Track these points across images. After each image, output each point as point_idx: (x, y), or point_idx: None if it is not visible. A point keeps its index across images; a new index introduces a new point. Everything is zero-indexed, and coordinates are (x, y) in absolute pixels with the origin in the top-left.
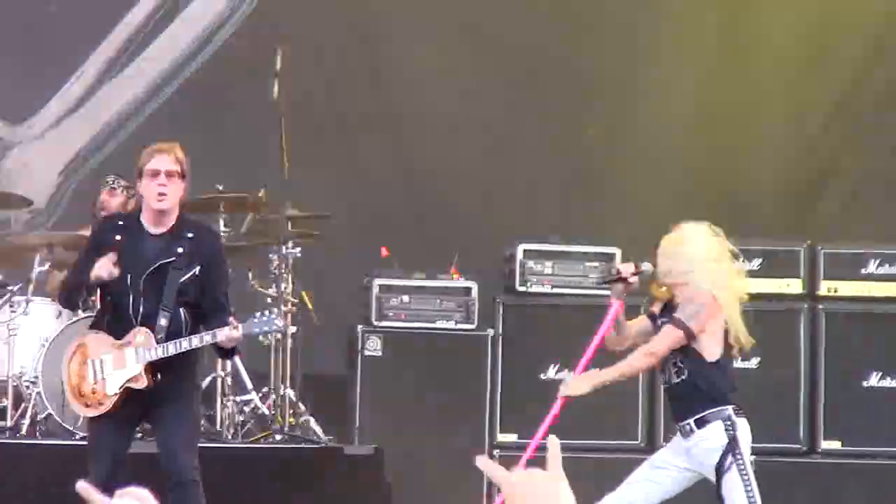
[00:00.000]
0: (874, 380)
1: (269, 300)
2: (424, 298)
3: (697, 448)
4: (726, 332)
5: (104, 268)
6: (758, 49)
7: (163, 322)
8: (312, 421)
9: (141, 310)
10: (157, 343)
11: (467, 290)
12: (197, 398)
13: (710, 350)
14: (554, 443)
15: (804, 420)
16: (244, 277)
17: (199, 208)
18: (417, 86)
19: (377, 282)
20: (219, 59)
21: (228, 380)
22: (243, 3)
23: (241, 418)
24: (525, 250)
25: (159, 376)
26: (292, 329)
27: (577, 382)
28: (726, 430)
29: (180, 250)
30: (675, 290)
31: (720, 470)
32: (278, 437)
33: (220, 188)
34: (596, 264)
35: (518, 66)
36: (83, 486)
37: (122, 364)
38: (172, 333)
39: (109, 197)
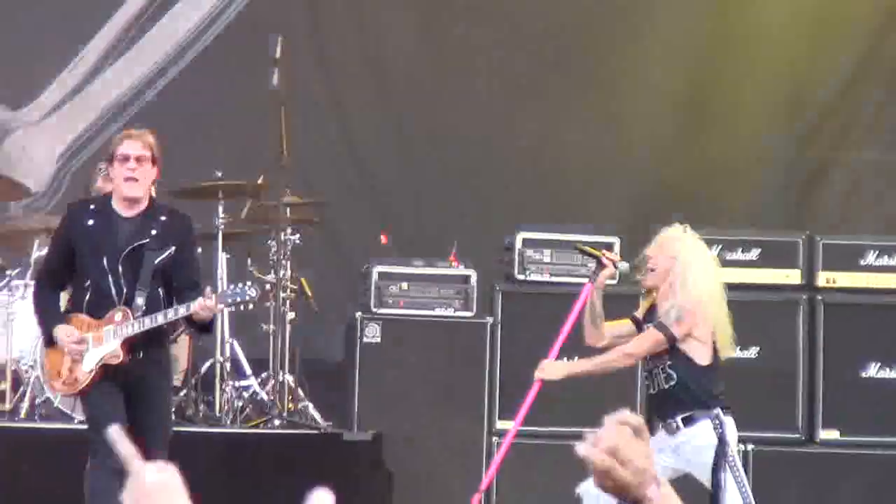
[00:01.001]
0: (872, 370)
1: (267, 286)
2: (423, 286)
3: (688, 445)
4: (714, 339)
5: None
6: (757, 38)
7: (139, 301)
8: (311, 407)
9: (124, 290)
10: (133, 320)
11: (466, 278)
12: (170, 394)
13: (700, 353)
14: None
15: (803, 410)
16: (243, 264)
17: (198, 195)
18: (416, 72)
19: (376, 269)
20: (219, 45)
21: (227, 365)
22: None
23: (240, 403)
24: (524, 239)
25: (141, 354)
26: (291, 315)
27: (552, 368)
28: (715, 428)
29: (154, 232)
30: (659, 293)
31: (715, 470)
32: (277, 422)
33: (220, 175)
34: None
35: (517, 55)
36: (115, 429)
37: (99, 341)
38: (150, 312)
39: (104, 184)
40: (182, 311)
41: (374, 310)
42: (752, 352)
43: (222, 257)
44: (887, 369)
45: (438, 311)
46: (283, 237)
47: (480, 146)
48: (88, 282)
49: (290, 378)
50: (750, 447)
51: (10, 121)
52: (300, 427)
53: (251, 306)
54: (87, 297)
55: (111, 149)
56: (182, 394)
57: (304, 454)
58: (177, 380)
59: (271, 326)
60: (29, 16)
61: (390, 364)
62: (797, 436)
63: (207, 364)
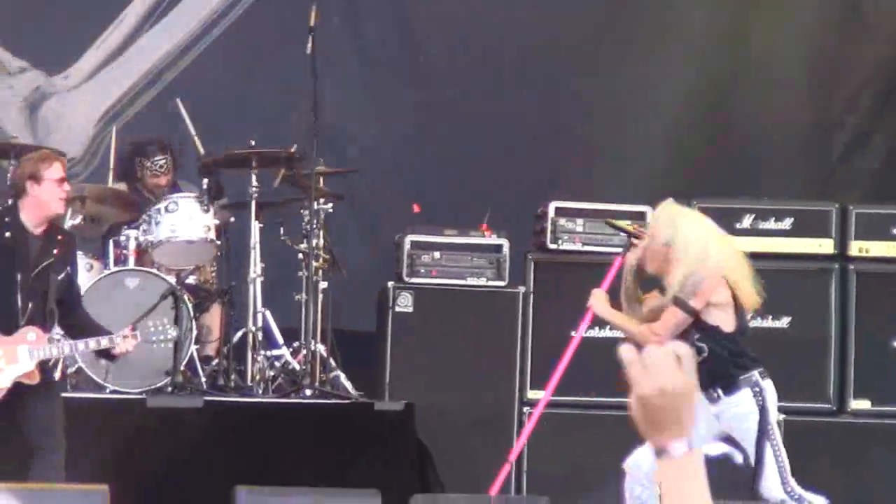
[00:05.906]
0: None
1: (300, 256)
2: (456, 255)
3: (728, 413)
4: (736, 300)
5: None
6: (790, 7)
7: (44, 320)
8: (343, 377)
9: (30, 307)
10: (49, 342)
11: (498, 247)
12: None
13: (725, 321)
14: None
15: (834, 380)
16: (276, 233)
17: (232, 164)
18: (449, 39)
19: (409, 238)
20: (254, 12)
21: (259, 335)
22: None
23: (272, 373)
24: (557, 208)
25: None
26: (323, 285)
27: (599, 300)
28: (755, 396)
29: (56, 251)
30: (666, 268)
31: (759, 441)
32: (308, 392)
33: (253, 143)
34: (628, 222)
35: (546, 20)
36: None
37: (13, 359)
38: (49, 331)
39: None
40: (105, 342)
41: (406, 279)
42: (784, 321)
43: (255, 226)
44: None
45: (470, 281)
46: (315, 206)
47: (514, 113)
48: None
49: (321, 348)
50: (781, 417)
51: (47, 87)
52: (332, 397)
53: (169, 345)
54: None
55: (34, 169)
56: (214, 363)
57: (336, 424)
58: (210, 349)
59: (303, 296)
60: None
61: (422, 333)
62: (828, 406)
63: (240, 334)
